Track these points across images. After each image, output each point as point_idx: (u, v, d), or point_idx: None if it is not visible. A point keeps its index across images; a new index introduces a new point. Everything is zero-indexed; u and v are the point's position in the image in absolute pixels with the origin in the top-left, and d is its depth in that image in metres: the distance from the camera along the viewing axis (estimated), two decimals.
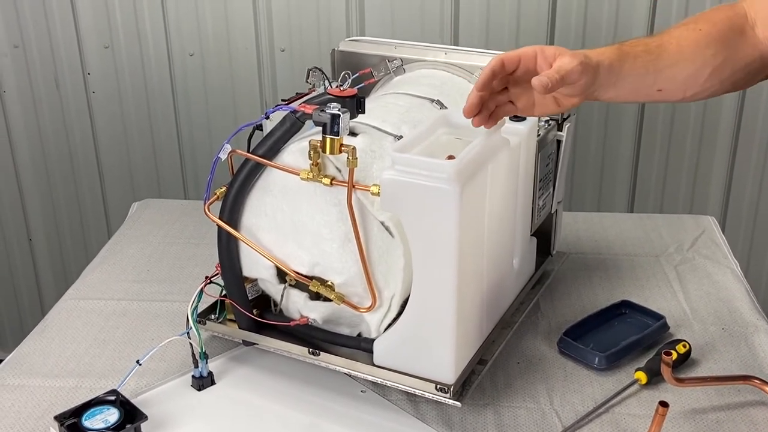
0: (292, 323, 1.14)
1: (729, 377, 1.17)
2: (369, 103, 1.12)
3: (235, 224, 1.12)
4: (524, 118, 1.17)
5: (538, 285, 1.36)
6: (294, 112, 1.08)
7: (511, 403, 1.13)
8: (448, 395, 1.06)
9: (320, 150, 1.03)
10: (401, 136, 1.12)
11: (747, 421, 1.09)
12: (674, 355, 1.17)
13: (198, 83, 2.16)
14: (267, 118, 1.15)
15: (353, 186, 1.03)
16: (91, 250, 2.14)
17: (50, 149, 2.26)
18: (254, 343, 1.18)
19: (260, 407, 1.13)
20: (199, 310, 1.18)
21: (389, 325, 1.09)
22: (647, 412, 1.09)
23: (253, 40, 2.11)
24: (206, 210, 1.12)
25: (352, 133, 1.11)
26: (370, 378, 1.11)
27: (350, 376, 1.15)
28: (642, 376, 1.15)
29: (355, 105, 1.07)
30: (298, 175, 1.06)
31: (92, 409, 1.05)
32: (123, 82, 2.17)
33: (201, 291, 1.15)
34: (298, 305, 1.14)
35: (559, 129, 1.31)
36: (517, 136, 1.15)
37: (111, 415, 1.04)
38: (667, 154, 2.18)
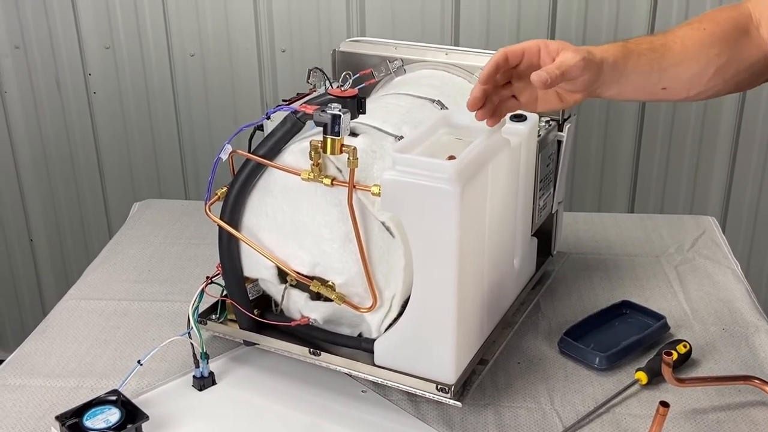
0: (292, 323, 1.14)
1: (729, 377, 1.17)
2: (370, 103, 1.12)
3: (236, 224, 1.12)
4: (525, 119, 1.17)
5: (538, 285, 1.36)
6: (295, 112, 1.08)
7: (512, 403, 1.13)
8: (448, 395, 1.06)
9: (321, 150, 1.03)
10: (402, 137, 1.12)
11: (747, 422, 1.09)
12: (675, 356, 1.17)
13: (199, 84, 2.16)
14: (268, 118, 1.15)
15: (354, 186, 1.03)
16: (92, 251, 2.14)
17: (51, 150, 2.26)
18: (255, 343, 1.18)
19: (261, 407, 1.13)
20: (200, 310, 1.17)
21: (390, 326, 1.09)
22: (648, 412, 1.09)
23: (253, 40, 2.11)
24: (207, 210, 1.12)
25: (353, 134, 1.11)
26: (370, 378, 1.11)
27: (351, 376, 1.15)
28: (642, 376, 1.15)
29: (356, 105, 1.07)
30: (299, 175, 1.06)
31: (93, 409, 1.05)
32: (124, 82, 2.17)
33: (202, 291, 1.15)
34: (298, 305, 1.14)
35: (560, 129, 1.31)
36: (518, 136, 1.15)
37: (112, 415, 1.04)
38: (667, 154, 2.18)
